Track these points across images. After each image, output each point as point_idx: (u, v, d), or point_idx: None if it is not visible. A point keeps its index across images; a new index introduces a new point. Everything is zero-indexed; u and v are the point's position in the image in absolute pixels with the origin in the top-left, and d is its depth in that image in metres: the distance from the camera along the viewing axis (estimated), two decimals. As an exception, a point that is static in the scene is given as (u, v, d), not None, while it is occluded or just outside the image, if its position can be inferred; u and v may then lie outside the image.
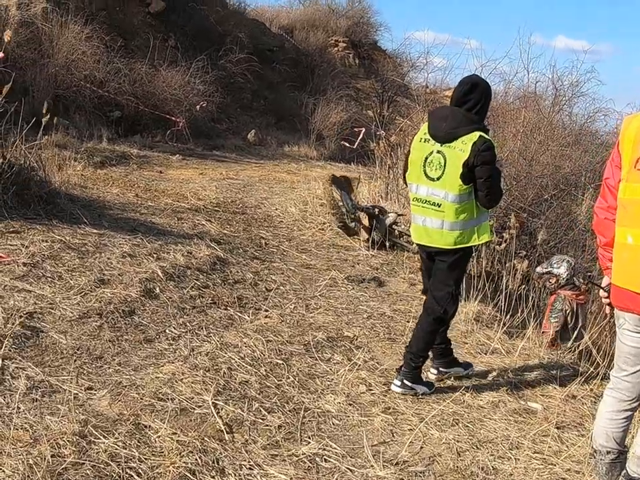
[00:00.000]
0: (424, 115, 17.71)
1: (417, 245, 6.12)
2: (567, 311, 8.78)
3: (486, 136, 5.61)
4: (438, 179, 5.64)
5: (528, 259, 12.76)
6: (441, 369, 6.20)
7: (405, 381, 5.81)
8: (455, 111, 5.70)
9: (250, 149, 23.10)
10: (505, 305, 8.27)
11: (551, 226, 17.35)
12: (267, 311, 7.18)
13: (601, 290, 4.58)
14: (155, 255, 8.10)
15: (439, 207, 5.66)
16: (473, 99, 5.69)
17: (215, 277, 7.96)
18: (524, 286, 12.23)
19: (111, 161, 15.94)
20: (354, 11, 40.09)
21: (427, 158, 5.71)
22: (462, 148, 5.54)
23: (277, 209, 12.88)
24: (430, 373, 6.18)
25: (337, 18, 38.56)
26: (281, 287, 8.13)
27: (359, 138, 23.11)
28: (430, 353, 6.10)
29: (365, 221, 11.24)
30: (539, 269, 9.83)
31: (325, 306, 7.72)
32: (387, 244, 10.72)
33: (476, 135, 5.55)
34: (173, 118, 20.98)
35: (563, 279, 9.07)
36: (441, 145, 5.63)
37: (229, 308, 7.06)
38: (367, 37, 40.19)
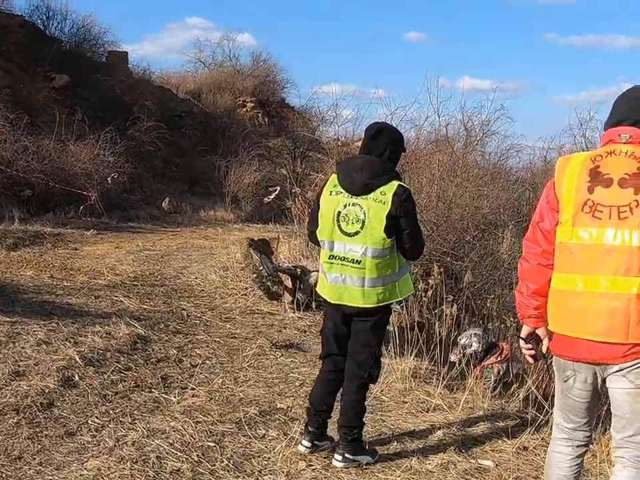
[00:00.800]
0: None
1: (332, 305, 5.54)
2: (500, 374, 8.59)
3: (404, 184, 5.38)
4: (356, 233, 5.27)
5: (456, 303, 12.72)
6: (346, 455, 5.54)
7: (346, 455, 5.49)
8: (369, 160, 5.38)
9: (165, 217, 22.78)
10: (440, 356, 8.07)
11: (476, 267, 17.35)
12: (193, 389, 6.83)
13: (521, 340, 4.45)
14: (72, 340, 7.74)
15: (359, 263, 5.29)
16: (381, 144, 5.42)
17: (137, 357, 7.62)
18: (456, 332, 12.25)
19: (24, 241, 15.52)
20: (259, 70, 40.34)
21: (340, 212, 5.33)
22: (382, 199, 5.22)
23: (196, 278, 12.59)
24: (334, 460, 5.55)
25: (243, 78, 38.82)
26: (207, 361, 7.81)
27: (272, 195, 22.99)
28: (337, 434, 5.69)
29: (288, 283, 11.02)
30: (453, 358, 9.35)
31: (255, 377, 7.43)
32: (313, 304, 10.50)
33: (394, 184, 5.28)
34: (85, 193, 20.57)
35: (480, 352, 8.87)
36: (357, 197, 5.28)
37: (153, 390, 6.70)
38: (275, 95, 40.47)
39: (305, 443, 5.65)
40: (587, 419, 4.25)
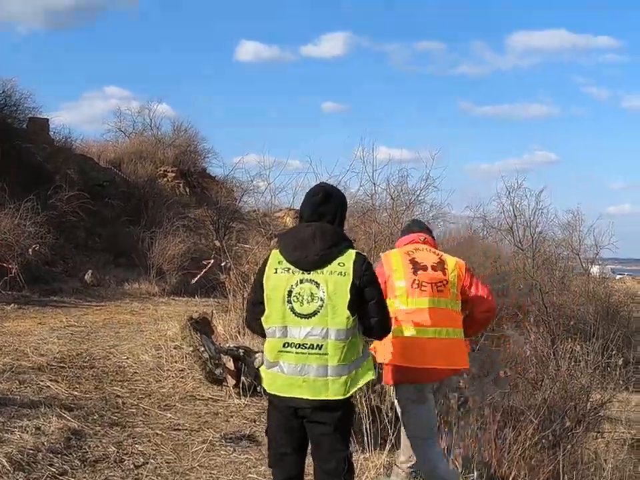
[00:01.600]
0: (260, 239, 17.10)
1: (283, 401, 4.76)
2: None
3: (360, 252, 4.83)
4: (314, 314, 4.60)
5: None
6: None
7: None
8: (321, 228, 4.78)
9: (89, 290, 21.83)
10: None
11: None
12: None
13: None
14: None
15: (320, 349, 4.62)
16: (331, 210, 4.88)
17: (72, 457, 6.65)
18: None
19: (-63, 320, 14.55)
20: (180, 140, 40.13)
21: (291, 292, 4.65)
22: (341, 271, 4.63)
23: (127, 358, 11.67)
24: None
25: (164, 148, 38.48)
26: (152, 460, 6.91)
27: (206, 269, 22.28)
28: None
29: (230, 365, 10.24)
30: None
31: (209, 480, 6.58)
32: (259, 388, 9.67)
33: (352, 252, 4.73)
34: (5, 264, 19.51)
35: None
36: (310, 273, 4.66)
37: None
38: (196, 164, 40.26)
39: None
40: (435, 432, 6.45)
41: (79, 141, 36.17)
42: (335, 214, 4.88)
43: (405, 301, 5.89)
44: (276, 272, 4.75)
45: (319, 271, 4.65)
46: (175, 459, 7.06)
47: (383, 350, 5.90)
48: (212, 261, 21.53)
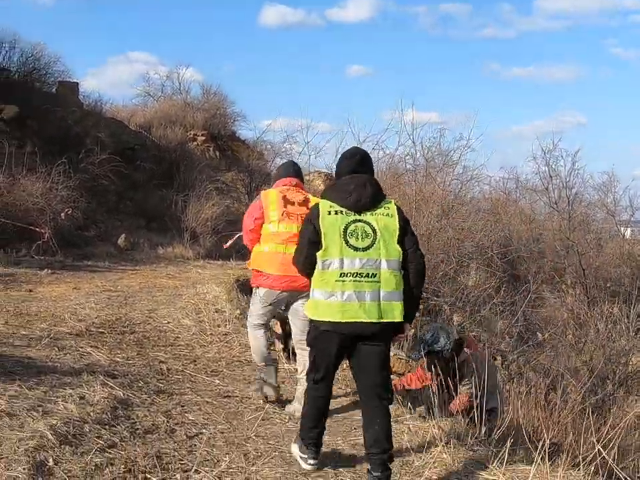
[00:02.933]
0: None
1: (340, 326, 5.27)
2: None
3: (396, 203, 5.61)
4: (368, 247, 5.27)
5: None
6: None
7: None
8: (370, 178, 5.55)
9: (122, 254, 21.45)
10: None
11: (454, 303, 16.40)
12: (198, 472, 5.37)
13: None
14: (40, 409, 6.21)
15: (374, 277, 5.26)
16: (369, 166, 5.69)
17: (121, 428, 6.15)
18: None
19: (-31, 284, 14.21)
20: (210, 104, 39.70)
21: (346, 229, 5.30)
22: (389, 213, 5.41)
23: (168, 323, 11.27)
24: None
25: (193, 112, 38.03)
26: (204, 431, 6.41)
27: (238, 235, 21.81)
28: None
29: (277, 328, 9.88)
30: (414, 355, 9.21)
31: (267, 451, 6.07)
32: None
33: (391, 200, 5.58)
34: (37, 229, 19.13)
35: (448, 350, 8.47)
36: (361, 214, 5.38)
37: (149, 475, 5.20)
38: (226, 128, 39.79)
39: (312, 461, 5.65)
40: None
41: (108, 106, 35.84)
42: (372, 171, 5.71)
43: (276, 226, 7.36)
44: (329, 214, 5.37)
45: (368, 213, 5.38)
46: (229, 428, 6.59)
47: (253, 259, 7.60)
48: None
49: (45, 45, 30.00)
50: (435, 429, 6.30)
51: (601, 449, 5.79)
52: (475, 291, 18.00)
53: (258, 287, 7.55)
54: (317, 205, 5.54)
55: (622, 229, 31.70)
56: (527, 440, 6.26)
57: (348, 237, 5.27)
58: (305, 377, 5.82)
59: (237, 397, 7.68)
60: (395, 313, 5.28)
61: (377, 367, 5.37)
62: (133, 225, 25.58)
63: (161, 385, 7.90)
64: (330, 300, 5.28)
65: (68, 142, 25.33)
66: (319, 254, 5.33)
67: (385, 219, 5.36)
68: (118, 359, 8.84)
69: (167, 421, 6.55)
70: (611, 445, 6.04)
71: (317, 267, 5.38)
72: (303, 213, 6.99)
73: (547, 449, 5.55)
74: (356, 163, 5.61)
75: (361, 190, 5.39)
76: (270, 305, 7.51)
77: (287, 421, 6.95)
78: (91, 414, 6.27)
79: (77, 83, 32.00)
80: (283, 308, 7.76)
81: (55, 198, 20.77)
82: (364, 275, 5.22)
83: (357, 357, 5.41)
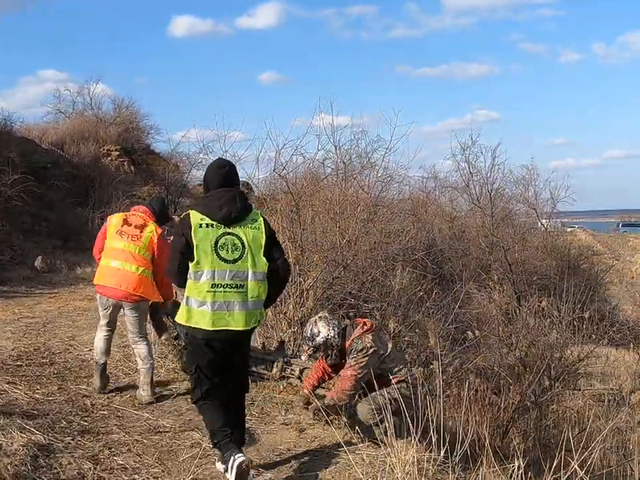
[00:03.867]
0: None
1: (211, 333, 5.76)
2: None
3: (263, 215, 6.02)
4: (237, 260, 5.72)
5: None
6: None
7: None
8: (238, 192, 5.95)
9: (39, 277, 20.51)
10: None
11: (383, 308, 16.05)
12: None
13: None
14: None
15: (242, 288, 5.76)
16: (237, 179, 6.11)
17: None
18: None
19: None
20: (122, 118, 39.42)
21: (217, 242, 5.70)
22: (256, 226, 5.85)
23: (90, 350, 10.54)
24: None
25: (105, 126, 37.64)
26: (136, 477, 5.86)
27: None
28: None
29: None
30: (304, 357, 9.25)
31: (208, 498, 5.52)
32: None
33: (258, 212, 6.02)
34: (-56, 257, 18.28)
35: (334, 337, 7.85)
36: (231, 227, 5.76)
37: None
38: (140, 142, 39.60)
39: (238, 454, 5.71)
40: None
41: (18, 124, 34.88)
42: (239, 182, 6.15)
43: (111, 242, 8.47)
44: (201, 227, 5.71)
45: (237, 226, 5.78)
46: (162, 471, 6.01)
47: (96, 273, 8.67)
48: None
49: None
50: (392, 457, 5.75)
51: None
52: (404, 293, 17.65)
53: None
54: (187, 216, 5.83)
55: (544, 221, 31.75)
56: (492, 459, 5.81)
57: (219, 250, 5.69)
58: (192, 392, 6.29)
59: (169, 431, 7.07)
60: (259, 319, 5.96)
61: (241, 366, 6.20)
62: (49, 245, 24.66)
63: (85, 423, 7.25)
64: (202, 308, 5.72)
65: (-24, 164, 24.42)
66: (191, 265, 5.71)
67: (253, 232, 5.82)
68: (37, 396, 8.19)
69: (94, 468, 5.93)
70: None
71: (189, 277, 5.75)
72: (135, 234, 8.51)
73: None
74: (224, 175, 5.99)
75: (231, 204, 5.80)
76: (106, 309, 8.70)
77: None
78: (9, 467, 5.64)
79: (-16, 104, 30.95)
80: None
81: (-35, 223, 19.93)
82: (233, 286, 5.72)
83: (226, 360, 5.95)
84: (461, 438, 6.00)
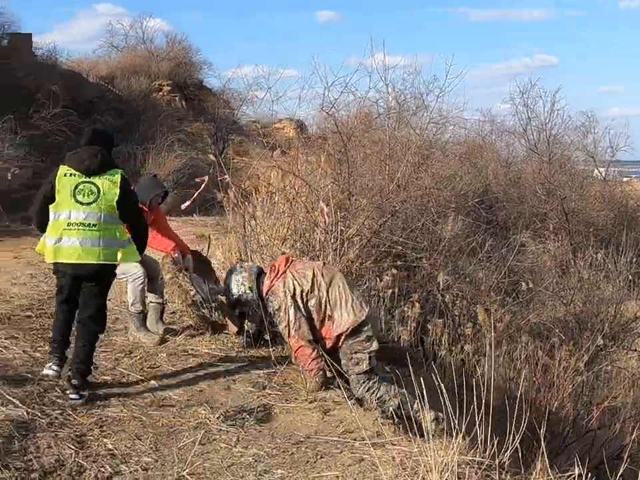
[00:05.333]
0: (261, 151, 15.20)
1: (67, 265, 6.52)
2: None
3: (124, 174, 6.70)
4: (92, 202, 6.44)
5: (419, 302, 10.62)
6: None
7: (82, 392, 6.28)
8: (100, 150, 6.60)
9: (77, 215, 19.81)
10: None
11: (432, 257, 15.21)
12: None
13: None
14: None
15: (95, 227, 6.44)
16: (103, 142, 6.78)
17: (8, 473, 4.61)
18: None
19: None
20: (175, 53, 38.66)
21: (76, 187, 6.45)
22: (112, 180, 6.53)
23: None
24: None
25: (157, 61, 37.04)
26: (123, 467, 4.88)
27: (199, 191, 20.40)
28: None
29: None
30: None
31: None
32: (268, 336, 7.72)
33: (118, 171, 6.64)
34: (-21, 192, 17.60)
35: (246, 291, 7.49)
36: (89, 177, 6.48)
37: None
38: (192, 77, 38.95)
39: (55, 367, 6.66)
40: None
41: (67, 58, 34.30)
42: (106, 144, 6.80)
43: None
44: (65, 176, 6.49)
45: (97, 177, 6.49)
46: (157, 460, 5.06)
47: None
48: (206, 178, 19.61)
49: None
50: (427, 457, 4.71)
51: None
52: (455, 243, 16.73)
53: None
54: (57, 168, 6.63)
55: (602, 170, 30.46)
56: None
57: (77, 194, 6.44)
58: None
59: (174, 406, 6.11)
60: (113, 257, 6.56)
61: (96, 301, 6.70)
62: (89, 181, 24.02)
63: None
64: (58, 245, 6.42)
65: (17, 97, 23.72)
66: (51, 207, 6.50)
67: (107, 183, 6.50)
68: (38, 355, 7.35)
69: (76, 454, 5.00)
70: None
71: (50, 218, 6.51)
72: None
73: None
74: (89, 136, 6.78)
75: (92, 159, 6.51)
76: None
77: (233, 444, 5.39)
78: (-30, 453, 4.75)
79: (30, 35, 30.25)
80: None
81: (0, 158, 19.23)
82: (86, 225, 6.42)
83: (82, 291, 6.66)
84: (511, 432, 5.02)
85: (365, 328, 6.87)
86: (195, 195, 20.96)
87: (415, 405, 6.33)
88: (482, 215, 19.66)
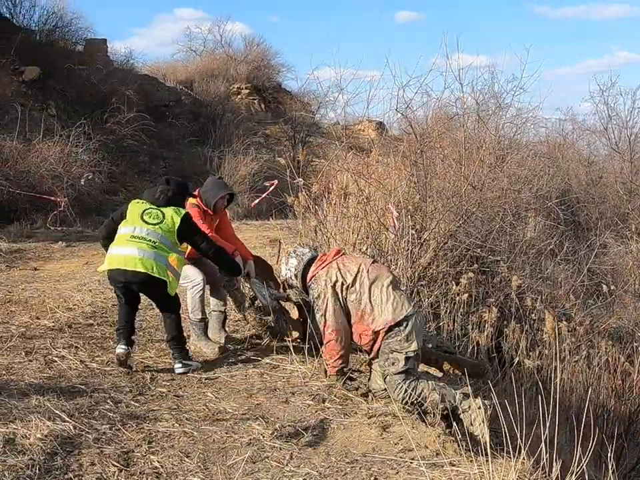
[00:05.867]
0: (342, 153, 14.95)
1: (119, 273, 7.15)
2: None
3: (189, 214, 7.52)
4: (155, 224, 7.14)
5: (496, 306, 10.73)
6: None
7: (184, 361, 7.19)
8: (170, 189, 7.50)
9: (152, 220, 19.79)
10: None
11: (511, 259, 14.89)
12: None
13: None
14: None
15: (154, 243, 7.06)
16: (176, 188, 7.54)
17: None
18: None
19: (-29, 262, 12.78)
20: (253, 55, 38.92)
21: (144, 211, 7.23)
22: (176, 211, 7.31)
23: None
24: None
25: (236, 64, 37.29)
26: (168, 484, 4.68)
27: (267, 192, 20.25)
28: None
29: (294, 314, 8.12)
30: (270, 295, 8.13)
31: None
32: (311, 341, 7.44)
33: (182, 210, 7.42)
34: (52, 198, 17.58)
35: (292, 275, 7.40)
36: (158, 207, 7.31)
37: None
38: (270, 80, 39.10)
39: (122, 345, 7.13)
40: None
41: (144, 62, 34.86)
42: (175, 192, 7.42)
43: None
44: (137, 202, 7.33)
45: (164, 207, 7.25)
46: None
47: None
48: (275, 182, 19.43)
49: (66, 1, 28.47)
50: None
51: None
52: (534, 244, 16.31)
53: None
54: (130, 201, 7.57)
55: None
56: None
57: (144, 215, 7.15)
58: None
59: (228, 420, 5.80)
60: (164, 274, 7.01)
61: (161, 303, 7.49)
62: (164, 185, 24.05)
63: (135, 404, 6.13)
64: (117, 252, 7.08)
65: (92, 102, 23.92)
66: (121, 224, 7.23)
67: (172, 213, 7.21)
68: (94, 365, 7.17)
69: (120, 472, 4.75)
70: None
71: (117, 232, 7.21)
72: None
73: None
74: (163, 183, 7.59)
75: (163, 194, 7.30)
76: None
77: (285, 462, 5.05)
78: (9, 472, 4.52)
79: (105, 40, 30.47)
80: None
81: (75, 162, 19.27)
82: (148, 240, 7.00)
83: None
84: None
85: (405, 327, 6.55)
86: (263, 196, 20.85)
87: (458, 395, 6.31)
88: (561, 216, 19.20)
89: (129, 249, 6.96)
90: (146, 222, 7.08)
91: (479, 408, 6.01)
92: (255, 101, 36.70)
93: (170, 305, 7.31)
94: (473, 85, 17.42)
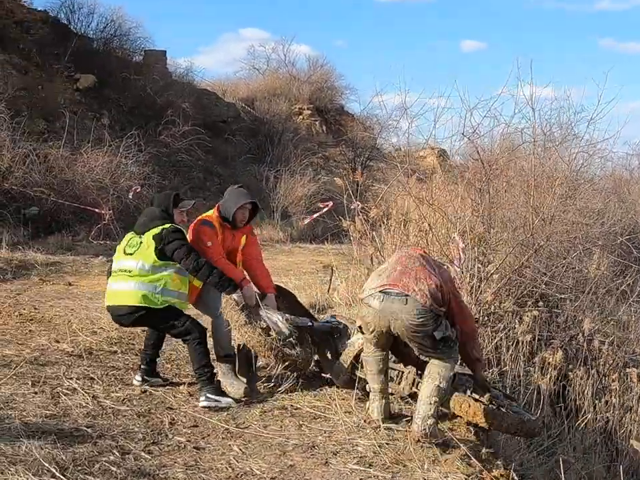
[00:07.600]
0: (403, 177, 14.19)
1: (111, 308, 6.98)
2: None
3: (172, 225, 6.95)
4: (131, 254, 6.85)
5: (562, 349, 10.11)
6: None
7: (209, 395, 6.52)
8: (151, 211, 7.18)
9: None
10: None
11: (576, 297, 13.98)
12: None
13: None
14: None
15: (129, 272, 6.79)
16: (158, 204, 7.16)
17: None
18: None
19: (4, 274, 11.96)
20: (316, 76, 38.60)
21: (128, 241, 7.06)
22: (153, 232, 6.88)
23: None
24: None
25: (299, 85, 37.09)
26: None
27: (320, 212, 19.44)
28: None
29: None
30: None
31: None
32: (358, 386, 6.43)
33: (163, 225, 6.91)
34: (97, 210, 16.80)
35: None
36: (140, 236, 6.95)
37: None
38: (333, 102, 38.79)
39: (138, 377, 7.04)
40: None
41: (201, 77, 34.36)
42: (159, 205, 7.11)
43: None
44: (127, 235, 7.15)
45: (145, 233, 6.88)
46: None
47: None
48: (330, 203, 18.55)
49: (125, 9, 28.16)
50: None
51: None
52: (602, 283, 15.32)
53: None
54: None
55: None
56: None
57: (126, 247, 6.91)
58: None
59: (258, 485, 4.79)
60: (151, 302, 6.62)
61: (172, 332, 6.95)
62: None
63: (146, 456, 5.09)
64: (107, 290, 7.01)
65: (147, 113, 23.34)
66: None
67: (149, 235, 6.79)
68: (108, 402, 6.20)
69: None
70: None
71: None
72: None
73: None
74: (152, 199, 7.48)
75: (143, 218, 7.05)
76: None
77: None
78: None
79: (164, 51, 29.96)
80: None
81: (123, 174, 18.52)
82: (124, 271, 6.74)
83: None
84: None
85: None
86: (314, 216, 19.98)
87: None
88: (634, 253, 18.21)
89: (114, 284, 6.84)
90: (125, 253, 6.89)
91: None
92: (317, 122, 36.39)
93: (179, 330, 6.75)
94: (541, 113, 16.49)
